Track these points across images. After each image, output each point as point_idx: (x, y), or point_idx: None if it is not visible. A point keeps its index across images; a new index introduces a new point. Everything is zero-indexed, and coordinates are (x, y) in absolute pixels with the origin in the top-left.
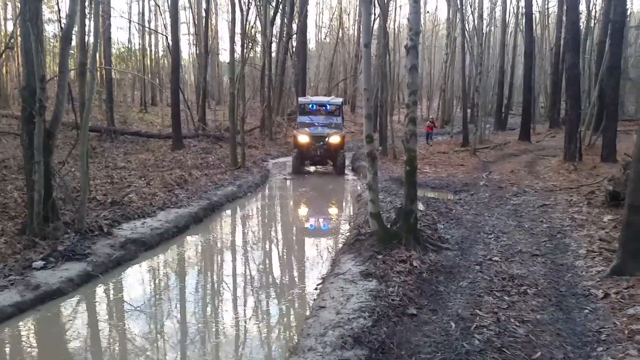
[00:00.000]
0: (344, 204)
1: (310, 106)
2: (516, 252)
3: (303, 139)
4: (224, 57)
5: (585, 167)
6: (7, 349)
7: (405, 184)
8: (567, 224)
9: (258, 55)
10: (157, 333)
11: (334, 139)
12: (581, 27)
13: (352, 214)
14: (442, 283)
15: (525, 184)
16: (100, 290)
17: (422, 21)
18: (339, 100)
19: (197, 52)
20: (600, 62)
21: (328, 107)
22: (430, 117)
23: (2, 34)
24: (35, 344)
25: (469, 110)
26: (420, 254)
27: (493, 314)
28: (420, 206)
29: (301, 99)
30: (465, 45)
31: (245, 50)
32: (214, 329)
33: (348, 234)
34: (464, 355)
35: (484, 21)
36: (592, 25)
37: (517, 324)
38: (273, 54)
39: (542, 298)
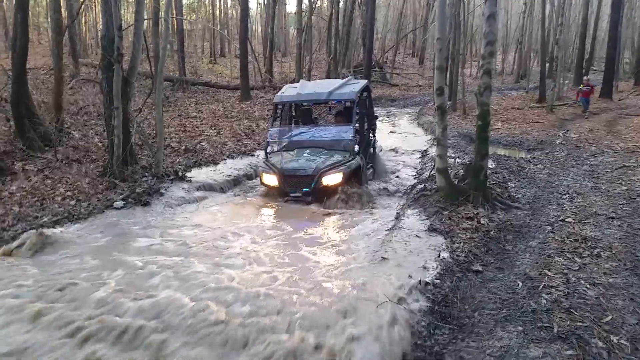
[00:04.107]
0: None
1: (293, 105)
2: (591, 214)
3: (269, 180)
4: (291, 7)
5: None
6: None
7: (477, 140)
8: None
9: (325, 4)
10: (226, 268)
11: (330, 179)
12: None
13: (417, 168)
14: (510, 242)
15: (604, 143)
16: (176, 229)
17: None
18: (357, 86)
19: (265, 2)
20: None
21: (328, 99)
22: (586, 77)
23: None
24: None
25: (547, 65)
26: (488, 212)
27: (562, 275)
28: (491, 164)
29: (281, 93)
30: None
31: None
32: (279, 273)
33: (413, 188)
34: (530, 314)
35: None
36: None
37: (588, 286)
38: (341, 4)
39: (616, 262)
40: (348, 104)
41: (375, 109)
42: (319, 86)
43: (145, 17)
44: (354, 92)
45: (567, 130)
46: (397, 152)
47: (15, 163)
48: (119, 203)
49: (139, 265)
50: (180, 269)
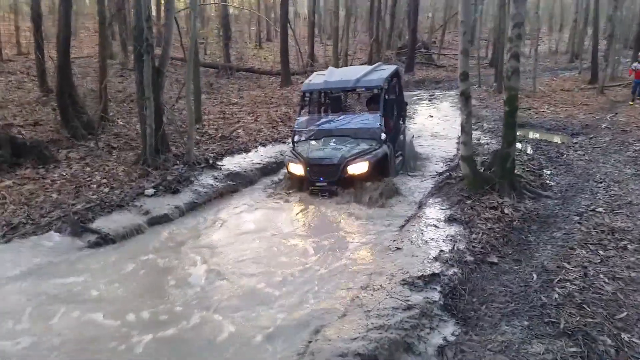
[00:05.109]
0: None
1: (324, 92)
2: (625, 204)
3: (295, 169)
4: None
5: None
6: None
7: (504, 126)
8: None
9: None
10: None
11: (356, 168)
12: None
13: (450, 155)
14: (533, 233)
15: None
16: (201, 218)
17: None
18: (385, 72)
19: None
20: None
21: (355, 87)
22: None
23: None
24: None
25: (604, 42)
26: (514, 201)
27: (581, 268)
28: (529, 150)
29: (309, 81)
30: None
31: None
32: (294, 260)
33: (440, 176)
34: (539, 308)
35: None
36: None
37: (606, 280)
38: None
39: None
40: (376, 91)
41: (418, 91)
42: (347, 73)
43: (183, 7)
44: (382, 78)
45: (616, 114)
46: (434, 137)
47: (60, 151)
48: (150, 191)
49: None
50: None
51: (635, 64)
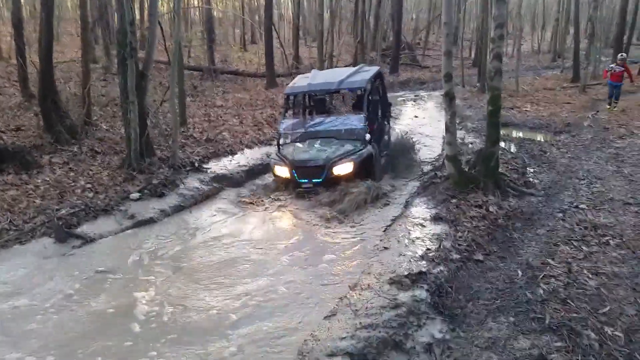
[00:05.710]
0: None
1: (309, 95)
2: (607, 200)
3: (281, 171)
4: None
5: None
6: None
7: (487, 125)
8: None
9: None
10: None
11: (341, 169)
12: None
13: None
14: (518, 230)
15: (635, 125)
16: (186, 221)
17: None
18: (368, 74)
19: None
20: None
21: (339, 89)
22: (621, 55)
23: None
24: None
25: (586, 42)
26: (498, 199)
27: (565, 264)
28: (512, 148)
29: (292, 84)
30: None
31: None
32: (282, 260)
33: (425, 176)
34: (524, 304)
35: None
36: None
37: (590, 275)
38: None
39: (624, 250)
40: (359, 92)
41: (403, 92)
42: (330, 75)
43: (167, 11)
44: (365, 80)
45: (597, 112)
46: (419, 137)
47: (43, 156)
48: (135, 195)
49: None
50: None
51: (612, 65)
